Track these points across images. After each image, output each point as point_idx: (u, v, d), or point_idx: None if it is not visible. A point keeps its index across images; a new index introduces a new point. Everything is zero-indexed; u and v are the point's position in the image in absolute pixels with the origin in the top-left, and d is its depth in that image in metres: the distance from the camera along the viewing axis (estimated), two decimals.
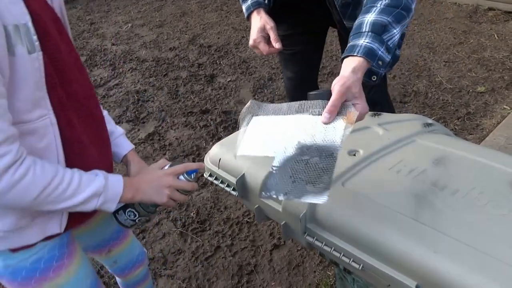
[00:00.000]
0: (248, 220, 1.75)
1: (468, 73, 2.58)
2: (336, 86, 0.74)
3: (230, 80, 2.80)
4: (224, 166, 0.99)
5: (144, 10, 4.19)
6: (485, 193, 0.79)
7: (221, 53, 3.15)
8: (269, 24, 1.08)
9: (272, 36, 1.07)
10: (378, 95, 1.32)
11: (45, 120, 0.65)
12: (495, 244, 0.69)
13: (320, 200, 0.66)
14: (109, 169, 0.80)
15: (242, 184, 0.94)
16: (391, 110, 1.45)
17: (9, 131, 0.60)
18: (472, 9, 3.39)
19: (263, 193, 0.71)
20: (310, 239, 0.83)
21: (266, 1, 1.14)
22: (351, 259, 0.78)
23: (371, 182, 0.86)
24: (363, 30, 0.84)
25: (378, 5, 0.86)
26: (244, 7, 1.16)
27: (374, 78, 0.85)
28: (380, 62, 0.82)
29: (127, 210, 0.84)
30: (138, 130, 2.38)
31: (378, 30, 0.83)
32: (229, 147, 1.01)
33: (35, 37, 0.60)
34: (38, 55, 0.61)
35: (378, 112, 1.07)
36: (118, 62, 3.16)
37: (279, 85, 2.66)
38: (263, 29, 1.09)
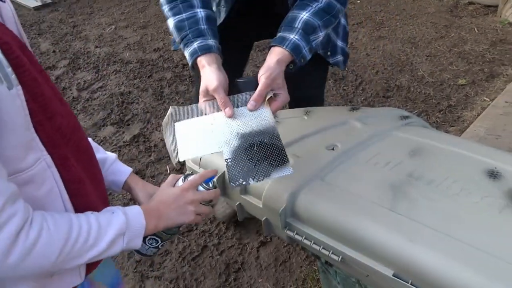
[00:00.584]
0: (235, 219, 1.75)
1: (449, 67, 2.62)
2: (263, 77, 0.83)
3: None
4: (205, 165, 1.00)
5: (127, 11, 4.16)
6: (458, 182, 0.81)
7: None
8: (213, 83, 0.84)
9: (219, 99, 0.84)
10: (315, 91, 1.33)
11: (41, 164, 0.57)
12: (467, 231, 0.71)
13: (287, 171, 0.74)
14: (106, 204, 0.72)
15: (222, 182, 0.94)
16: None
17: (8, 189, 0.51)
18: (452, 4, 3.43)
19: (232, 183, 0.75)
20: (290, 233, 0.84)
21: (218, 45, 0.94)
22: (331, 252, 0.79)
23: (349, 175, 0.87)
24: (295, 25, 0.91)
25: (314, 6, 0.93)
26: (187, 53, 0.92)
27: (291, 67, 0.91)
28: (302, 60, 0.91)
29: (147, 239, 0.75)
30: (123, 132, 2.37)
31: (308, 30, 0.91)
32: None
33: (9, 70, 0.51)
34: (17, 89, 0.52)
35: (356, 106, 1.09)
36: (101, 65, 3.14)
37: None
38: (206, 93, 0.87)
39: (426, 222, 0.74)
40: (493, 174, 0.81)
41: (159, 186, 0.78)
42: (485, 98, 2.30)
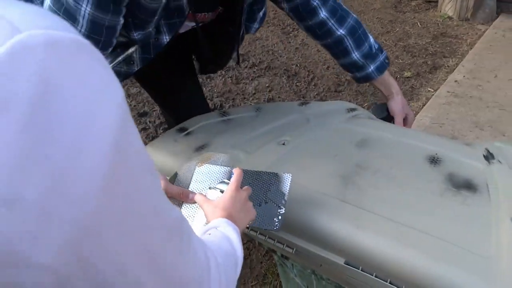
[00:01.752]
0: None
1: (396, 60, 2.73)
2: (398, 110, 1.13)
3: None
4: (157, 167, 0.98)
5: None
6: (403, 170, 0.85)
7: None
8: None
9: (176, 195, 0.79)
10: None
11: None
12: (410, 215, 0.75)
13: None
14: None
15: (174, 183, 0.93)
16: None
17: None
18: (396, 0, 3.59)
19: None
20: (245, 229, 0.85)
21: None
22: (285, 244, 0.80)
23: (299, 169, 0.89)
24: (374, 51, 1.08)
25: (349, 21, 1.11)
26: None
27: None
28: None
29: None
30: None
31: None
32: (161, 148, 0.99)
33: None
34: None
35: (306, 101, 1.11)
36: None
37: (218, 82, 2.67)
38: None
39: (374, 209, 0.77)
40: (434, 160, 0.86)
41: None
42: (429, 89, 2.42)
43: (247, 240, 1.60)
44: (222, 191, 0.70)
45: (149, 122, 2.33)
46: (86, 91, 0.25)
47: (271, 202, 0.76)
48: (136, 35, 0.80)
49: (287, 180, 0.78)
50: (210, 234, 0.56)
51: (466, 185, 0.79)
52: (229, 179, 0.74)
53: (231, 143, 0.98)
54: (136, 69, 0.92)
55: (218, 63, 1.17)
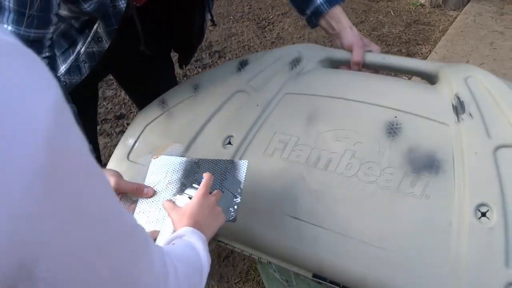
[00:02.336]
0: None
1: None
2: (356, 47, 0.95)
3: None
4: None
5: None
6: (357, 155, 0.81)
7: None
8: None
9: (131, 189, 0.78)
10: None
11: None
12: (363, 227, 0.75)
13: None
14: None
15: None
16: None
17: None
18: None
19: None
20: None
21: None
22: (243, 250, 0.82)
23: (252, 176, 0.84)
24: None
25: None
26: None
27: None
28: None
29: None
30: None
31: None
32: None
33: None
34: None
35: (244, 61, 0.99)
36: None
37: None
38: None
39: (326, 225, 0.77)
40: (393, 129, 0.80)
41: None
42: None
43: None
44: (190, 197, 0.69)
45: (127, 124, 2.31)
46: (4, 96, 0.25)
47: (227, 192, 0.75)
48: (87, 6, 0.74)
49: (243, 167, 0.77)
50: (174, 244, 0.57)
51: (428, 164, 0.75)
52: (186, 173, 0.75)
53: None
54: (107, 45, 0.87)
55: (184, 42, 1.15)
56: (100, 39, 0.86)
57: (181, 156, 0.81)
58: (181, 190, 0.78)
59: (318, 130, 0.87)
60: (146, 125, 1.06)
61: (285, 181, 0.84)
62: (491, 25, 2.68)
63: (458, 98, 0.79)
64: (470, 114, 0.77)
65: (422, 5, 3.17)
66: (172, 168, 0.79)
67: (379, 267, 0.73)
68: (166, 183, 0.79)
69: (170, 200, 0.69)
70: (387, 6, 3.28)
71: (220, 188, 0.76)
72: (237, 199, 0.75)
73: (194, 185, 0.73)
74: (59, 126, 0.27)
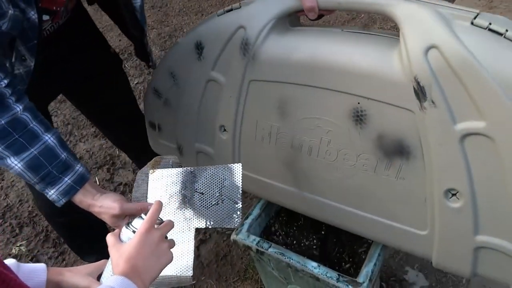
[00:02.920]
0: None
1: None
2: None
3: (137, 83, 2.55)
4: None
5: None
6: (332, 142, 0.83)
7: (125, 56, 2.81)
8: (115, 209, 0.78)
9: (138, 208, 0.79)
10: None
11: None
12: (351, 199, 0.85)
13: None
14: None
15: None
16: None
17: None
18: None
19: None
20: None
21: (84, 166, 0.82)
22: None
23: (249, 161, 0.95)
24: None
25: None
26: (55, 191, 0.77)
27: None
28: None
29: None
30: None
31: None
32: None
33: None
34: None
35: (198, 42, 0.92)
36: None
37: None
38: (119, 219, 0.80)
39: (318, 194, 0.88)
40: (359, 117, 0.77)
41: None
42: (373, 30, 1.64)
43: (227, 237, 1.62)
44: (135, 231, 0.65)
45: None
46: None
47: (227, 200, 0.77)
48: (1, 25, 0.70)
49: (238, 171, 0.78)
50: None
51: (398, 150, 0.75)
52: (185, 184, 0.76)
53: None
54: (32, 64, 0.84)
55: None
56: (23, 57, 0.82)
57: (176, 167, 0.83)
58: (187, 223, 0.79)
59: (291, 119, 0.87)
60: (156, 112, 1.16)
61: (280, 164, 0.95)
62: None
63: (418, 82, 0.67)
64: (432, 101, 0.67)
65: None
66: (170, 180, 0.81)
67: (368, 227, 0.89)
68: (168, 197, 0.81)
69: (113, 235, 0.66)
70: None
71: (220, 197, 0.78)
72: (238, 205, 0.77)
73: (142, 215, 0.68)
74: None
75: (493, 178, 0.68)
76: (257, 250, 1.00)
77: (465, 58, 0.62)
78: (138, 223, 0.66)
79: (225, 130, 1.00)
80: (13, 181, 2.06)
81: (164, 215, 0.79)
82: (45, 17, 0.87)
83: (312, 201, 0.95)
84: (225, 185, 0.78)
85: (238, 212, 0.78)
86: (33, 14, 0.73)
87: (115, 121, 1.30)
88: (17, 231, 1.78)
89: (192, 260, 0.75)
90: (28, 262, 0.72)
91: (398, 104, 0.72)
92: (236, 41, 0.86)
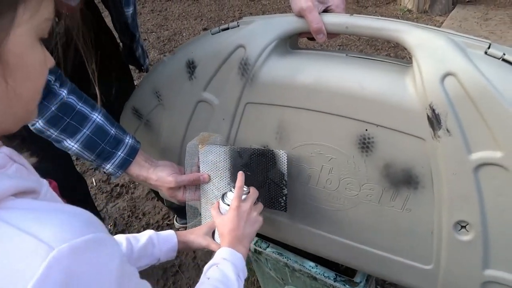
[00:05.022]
0: (168, 222, 1.73)
1: None
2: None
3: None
4: None
5: None
6: (335, 171, 0.79)
7: None
8: (170, 182, 0.85)
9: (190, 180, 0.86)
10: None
11: None
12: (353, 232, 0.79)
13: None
14: None
15: None
16: None
17: None
18: None
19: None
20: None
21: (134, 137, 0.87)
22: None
23: None
24: None
25: None
26: (112, 165, 0.83)
27: None
28: None
29: None
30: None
31: None
32: None
33: None
34: None
35: (190, 60, 0.87)
36: None
37: None
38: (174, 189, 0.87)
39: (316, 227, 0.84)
40: (366, 144, 0.74)
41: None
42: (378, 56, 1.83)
43: None
44: (229, 204, 0.77)
45: None
46: (99, 274, 0.35)
47: (273, 183, 0.83)
48: None
49: (283, 158, 0.80)
50: (209, 278, 0.65)
51: (406, 180, 0.72)
52: (233, 161, 0.84)
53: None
54: None
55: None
56: None
57: (224, 145, 0.86)
58: (226, 188, 0.85)
59: (289, 145, 0.82)
60: (134, 134, 1.07)
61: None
62: (476, 30, 2.77)
63: (433, 110, 0.65)
64: (447, 130, 0.65)
65: (410, 11, 3.26)
66: (219, 157, 0.86)
67: (368, 261, 0.85)
68: (218, 172, 0.87)
69: (214, 208, 0.79)
70: (375, 12, 3.25)
71: (266, 179, 0.83)
72: (285, 190, 0.82)
73: (232, 189, 0.78)
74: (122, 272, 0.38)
75: (507, 209, 0.66)
76: (255, 250, 0.97)
77: (484, 86, 0.61)
78: (231, 197, 0.77)
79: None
80: None
81: (216, 189, 0.87)
82: None
83: (306, 233, 0.89)
84: (270, 169, 0.82)
85: (285, 198, 0.83)
86: None
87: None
88: None
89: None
90: None
91: (409, 131, 0.69)
92: (234, 61, 0.81)
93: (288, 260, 0.95)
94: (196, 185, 0.88)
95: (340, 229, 0.85)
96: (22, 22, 0.37)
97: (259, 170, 0.82)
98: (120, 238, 0.74)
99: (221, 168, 0.86)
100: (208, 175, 0.87)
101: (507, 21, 2.89)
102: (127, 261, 0.41)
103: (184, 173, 0.89)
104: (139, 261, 0.75)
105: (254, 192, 0.79)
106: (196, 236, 0.82)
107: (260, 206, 0.80)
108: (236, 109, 0.85)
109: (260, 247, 0.97)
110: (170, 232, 0.81)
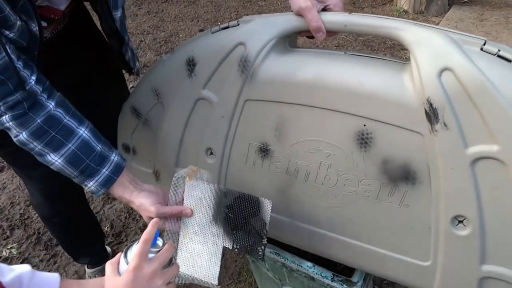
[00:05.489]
0: None
1: None
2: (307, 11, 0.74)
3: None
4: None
5: None
6: (333, 167, 0.79)
7: None
8: (151, 211, 0.81)
9: (170, 213, 0.83)
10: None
11: None
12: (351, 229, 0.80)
13: None
14: None
15: None
16: None
17: None
18: None
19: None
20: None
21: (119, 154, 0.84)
22: None
23: (241, 186, 0.90)
24: None
25: None
26: (95, 183, 0.79)
27: None
28: None
29: None
30: None
31: None
32: None
33: None
34: None
35: (190, 58, 0.88)
36: None
37: None
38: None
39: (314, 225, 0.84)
40: (364, 140, 0.74)
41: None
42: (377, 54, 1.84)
43: None
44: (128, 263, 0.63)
45: None
46: None
47: (254, 230, 0.81)
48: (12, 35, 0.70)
49: (267, 208, 0.79)
50: None
51: (404, 175, 0.73)
52: (217, 200, 0.82)
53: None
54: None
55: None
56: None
57: (211, 183, 0.86)
58: (213, 238, 0.84)
59: (288, 142, 0.83)
60: (132, 134, 1.08)
61: (272, 190, 0.89)
62: (472, 31, 2.77)
63: (431, 104, 0.66)
64: (444, 124, 0.66)
65: (406, 12, 3.27)
66: (204, 194, 0.85)
67: (366, 259, 0.85)
68: (203, 208, 0.85)
69: (111, 264, 0.64)
70: (372, 12, 3.19)
71: (248, 225, 0.81)
72: (264, 240, 0.80)
73: (137, 245, 0.64)
74: None
75: (503, 204, 0.67)
76: None
77: (480, 81, 0.62)
78: (135, 251, 0.62)
79: (212, 153, 0.93)
80: (4, 183, 1.99)
81: (197, 225, 0.85)
82: (43, 24, 0.84)
83: (304, 232, 0.90)
84: (253, 216, 0.80)
85: (263, 247, 0.80)
86: (34, 26, 0.73)
87: (111, 121, 1.21)
88: (8, 233, 1.74)
89: (218, 271, 0.82)
90: (18, 264, 0.70)
91: (407, 126, 0.70)
92: (234, 58, 0.82)
93: (285, 260, 0.94)
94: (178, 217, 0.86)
95: (338, 227, 0.85)
96: None
97: (242, 214, 0.81)
98: None
99: (205, 205, 0.84)
100: (191, 209, 0.84)
101: (503, 21, 2.91)
102: None
103: (168, 201, 0.86)
104: None
105: (167, 250, 0.64)
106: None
107: (172, 270, 0.64)
108: (235, 106, 0.86)
109: None
110: (53, 276, 0.64)
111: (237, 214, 0.81)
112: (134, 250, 0.61)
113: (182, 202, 0.86)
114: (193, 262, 0.85)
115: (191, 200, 0.85)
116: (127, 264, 0.61)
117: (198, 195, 0.85)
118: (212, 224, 0.84)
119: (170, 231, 0.87)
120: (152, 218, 0.78)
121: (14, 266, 0.61)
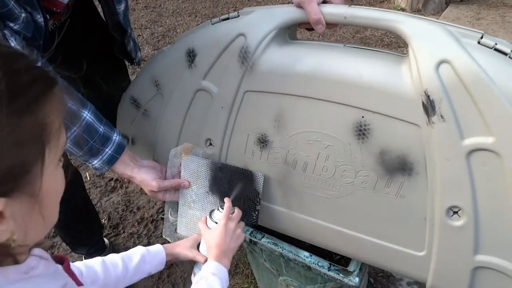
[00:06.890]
0: (162, 216, 1.72)
1: None
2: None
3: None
4: None
5: None
6: (331, 158, 0.80)
7: None
8: (152, 186, 0.90)
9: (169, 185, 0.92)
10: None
11: None
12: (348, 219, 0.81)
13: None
14: None
15: None
16: None
17: None
18: None
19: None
20: None
21: (121, 135, 0.89)
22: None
23: None
24: None
25: None
26: (99, 161, 0.85)
27: None
28: None
29: None
30: None
31: None
32: None
33: None
34: None
35: (191, 49, 0.88)
36: None
37: None
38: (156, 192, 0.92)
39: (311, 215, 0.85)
40: (362, 131, 0.75)
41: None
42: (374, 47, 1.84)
43: None
44: (216, 222, 0.85)
45: None
46: None
47: (248, 199, 0.91)
48: (16, 27, 0.74)
49: (260, 180, 0.89)
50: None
51: (401, 166, 0.74)
52: (213, 174, 0.92)
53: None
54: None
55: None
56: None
57: (205, 158, 0.93)
58: (211, 206, 0.94)
59: (287, 133, 0.84)
60: (131, 124, 1.08)
61: (270, 180, 0.90)
62: None
63: (428, 96, 0.67)
64: (441, 116, 0.67)
65: (403, 10, 3.29)
66: (200, 168, 0.93)
67: (362, 249, 0.86)
68: (200, 180, 0.94)
69: (202, 222, 0.86)
70: None
71: (243, 195, 0.91)
72: (258, 206, 0.92)
73: (220, 209, 0.87)
74: None
75: (497, 195, 0.68)
76: (250, 240, 0.97)
77: (477, 73, 0.63)
78: (218, 215, 0.85)
79: (211, 144, 0.94)
80: None
81: (194, 194, 0.94)
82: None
83: (301, 222, 0.91)
84: (247, 187, 0.90)
85: (257, 212, 0.91)
86: (39, 18, 0.76)
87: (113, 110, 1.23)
88: None
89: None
90: None
91: (404, 118, 0.71)
92: (234, 49, 0.83)
93: (282, 250, 0.96)
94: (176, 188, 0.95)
95: (335, 217, 0.86)
96: (49, 163, 0.40)
97: (237, 186, 0.90)
98: (116, 259, 0.80)
99: (202, 178, 0.93)
100: (189, 181, 0.94)
101: (499, 20, 2.93)
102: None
103: (165, 176, 0.94)
104: (133, 277, 0.81)
105: (238, 212, 0.87)
106: (182, 249, 0.88)
107: (242, 224, 0.88)
108: (235, 97, 0.86)
109: (255, 238, 0.98)
110: (158, 247, 0.86)
111: (232, 186, 0.90)
112: (217, 214, 0.86)
113: (179, 176, 0.94)
114: (193, 225, 0.96)
115: (187, 173, 0.93)
116: (215, 222, 0.84)
117: (194, 169, 0.93)
118: (208, 194, 0.93)
119: (170, 201, 0.96)
120: (154, 191, 0.90)
121: (132, 251, 0.83)
